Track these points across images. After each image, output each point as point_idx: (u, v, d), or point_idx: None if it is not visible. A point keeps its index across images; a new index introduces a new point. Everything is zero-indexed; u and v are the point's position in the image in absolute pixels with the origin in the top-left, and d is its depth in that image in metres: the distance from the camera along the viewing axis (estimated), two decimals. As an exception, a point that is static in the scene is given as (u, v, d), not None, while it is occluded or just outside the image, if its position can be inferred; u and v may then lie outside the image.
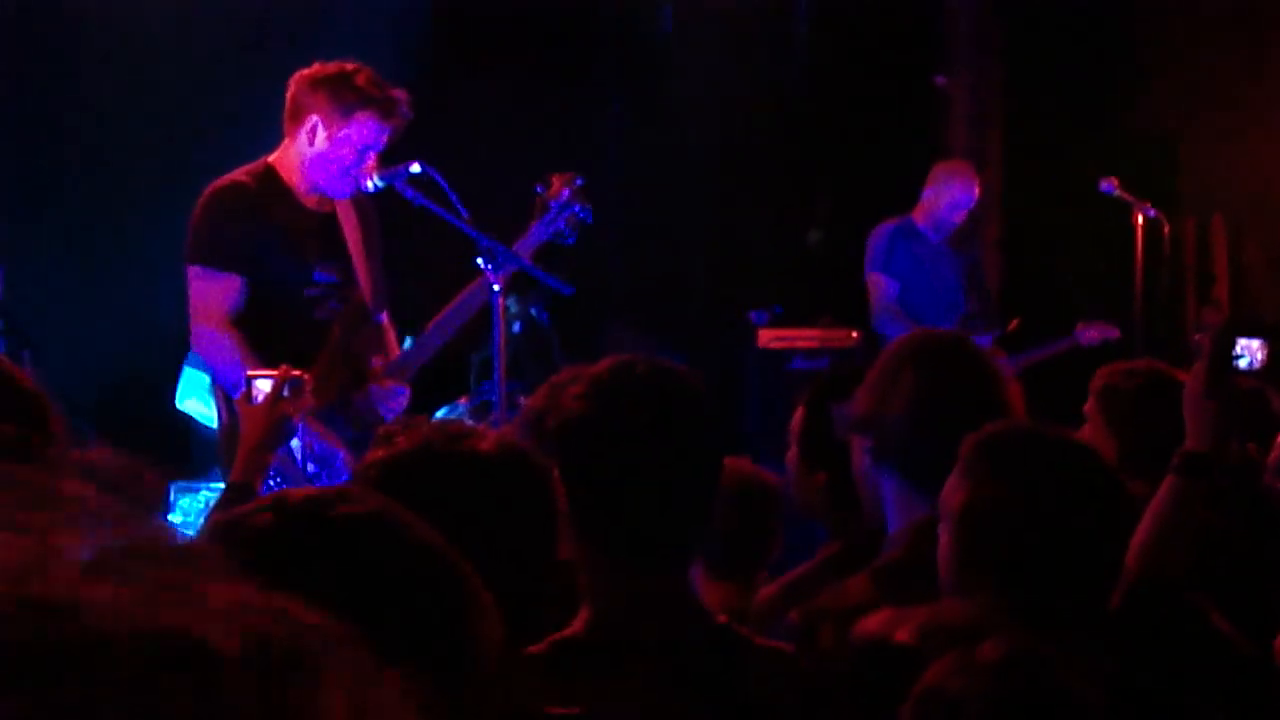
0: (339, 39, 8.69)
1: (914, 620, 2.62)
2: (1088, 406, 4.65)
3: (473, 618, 1.62)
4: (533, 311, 7.42)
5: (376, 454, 2.38)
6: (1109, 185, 8.46)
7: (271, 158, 5.38)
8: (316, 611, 0.91)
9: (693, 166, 10.05)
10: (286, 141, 5.35)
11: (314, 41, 8.60)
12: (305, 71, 5.32)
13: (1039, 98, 10.55)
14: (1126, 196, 8.48)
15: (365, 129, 5.25)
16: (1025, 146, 10.56)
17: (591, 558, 2.68)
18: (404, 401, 5.45)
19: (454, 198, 5.26)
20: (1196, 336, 8.43)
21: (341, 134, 5.24)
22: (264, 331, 5.16)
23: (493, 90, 9.36)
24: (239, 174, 5.34)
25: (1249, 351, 3.56)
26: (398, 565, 1.63)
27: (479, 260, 5.22)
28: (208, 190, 5.31)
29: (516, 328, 7.56)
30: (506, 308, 5.39)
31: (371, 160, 5.27)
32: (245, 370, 4.91)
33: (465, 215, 5.26)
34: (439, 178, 5.28)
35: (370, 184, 5.28)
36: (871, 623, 2.80)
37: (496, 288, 5.18)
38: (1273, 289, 10.13)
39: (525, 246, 5.34)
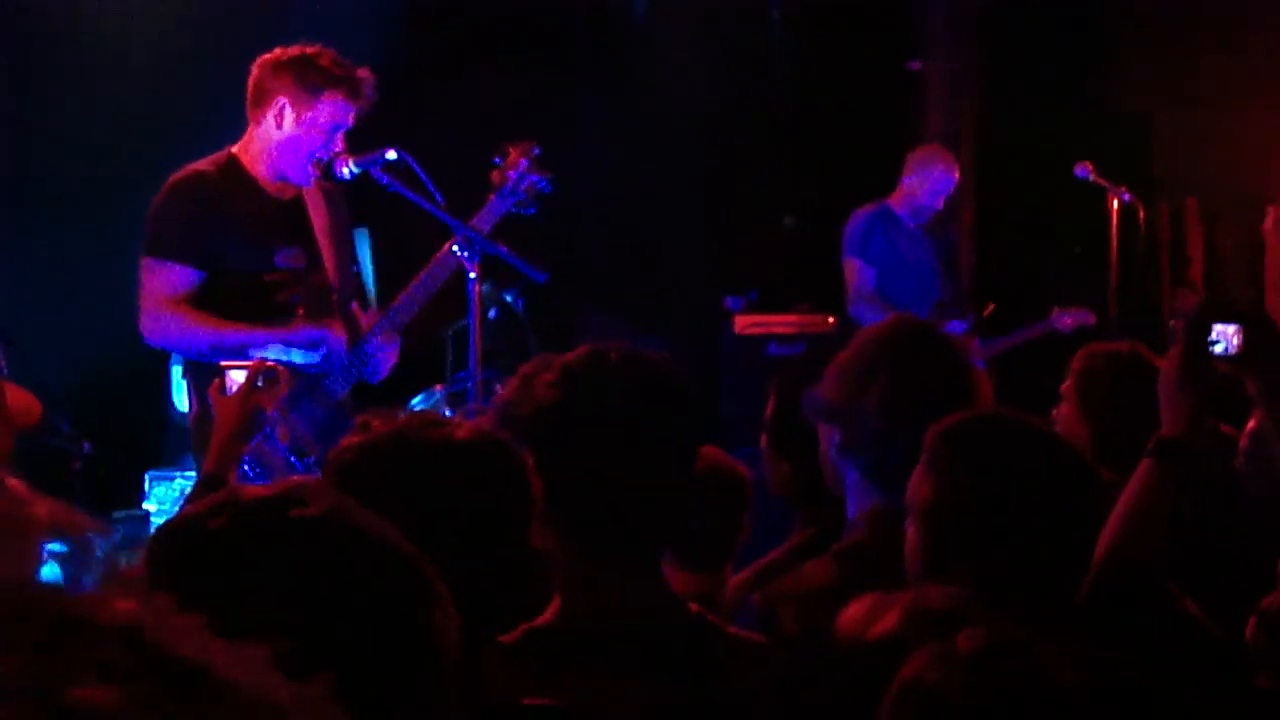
0: (313, 24, 8.68)
1: (895, 608, 2.63)
2: (1065, 386, 4.66)
3: (428, 614, 1.61)
4: (508, 298, 7.42)
5: (351, 440, 2.38)
6: (1084, 170, 8.48)
7: (235, 147, 5.35)
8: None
9: (668, 151, 10.05)
10: (250, 128, 5.33)
11: (288, 28, 8.59)
12: (267, 56, 5.30)
13: (1013, 81, 10.55)
14: (1101, 181, 8.49)
15: (334, 108, 5.23)
16: (1000, 130, 10.56)
17: (564, 546, 2.68)
18: (395, 354, 5.44)
19: (429, 184, 5.25)
20: (1172, 322, 8.45)
21: (309, 115, 5.23)
22: (227, 316, 5.15)
23: (468, 76, 9.35)
24: (201, 163, 5.33)
25: (1224, 337, 3.55)
26: (349, 566, 1.62)
27: (454, 247, 5.21)
28: (168, 181, 5.30)
29: (492, 314, 7.56)
30: (482, 294, 5.37)
31: (339, 141, 5.26)
32: (203, 332, 4.92)
33: (440, 201, 5.25)
34: (414, 164, 5.27)
35: (346, 170, 5.26)
36: (854, 609, 2.80)
37: (472, 275, 5.18)
38: (1248, 273, 10.15)
39: (485, 219, 5.30)
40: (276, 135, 5.27)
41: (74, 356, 7.71)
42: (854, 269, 8.57)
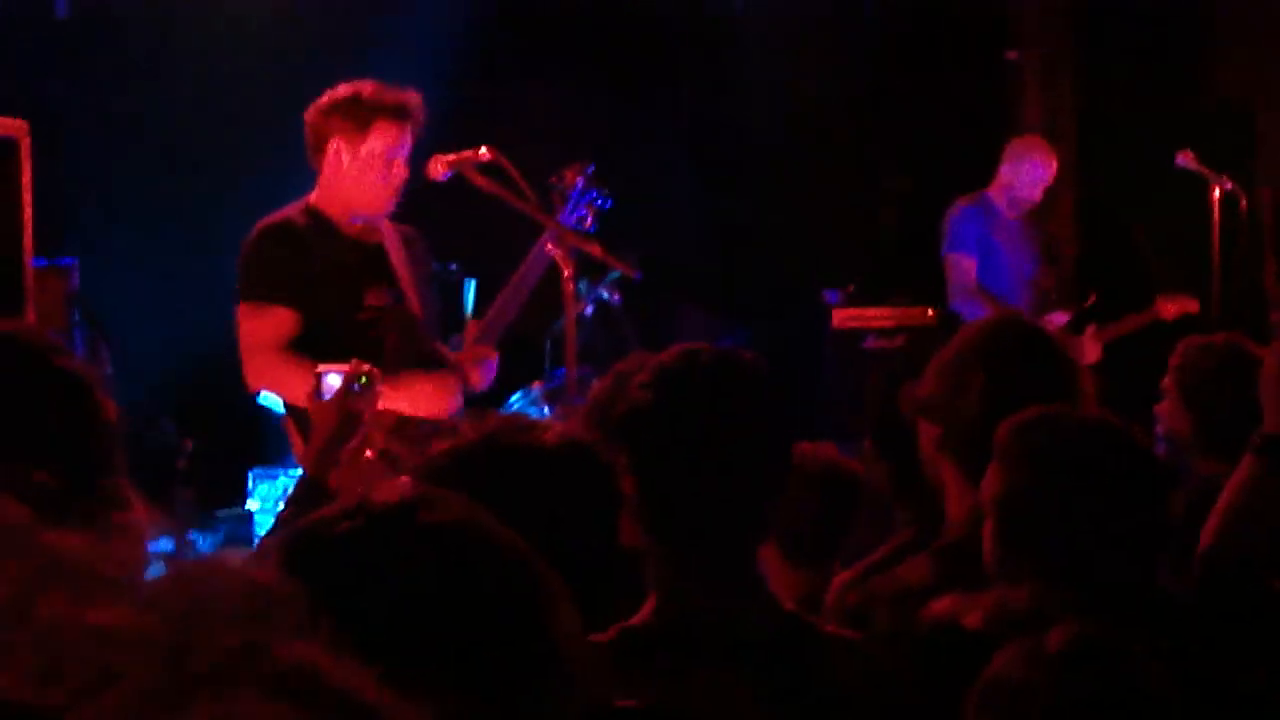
0: (404, 28, 8.73)
1: (982, 605, 2.61)
2: (1165, 381, 4.61)
3: (555, 617, 1.62)
4: (604, 294, 7.42)
5: (441, 447, 2.39)
6: (1184, 159, 8.37)
7: (312, 196, 5.41)
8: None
9: (764, 147, 10.03)
10: (320, 177, 5.39)
11: (380, 33, 8.65)
12: (316, 102, 5.36)
13: (1112, 70, 10.45)
14: (1202, 170, 8.39)
15: (386, 136, 5.28)
16: (1099, 120, 10.47)
17: (658, 546, 2.68)
18: (494, 367, 5.47)
19: (522, 183, 5.27)
20: (1275, 315, 8.34)
21: (365, 149, 5.28)
22: (322, 359, 5.15)
23: (562, 76, 9.37)
24: (287, 210, 5.40)
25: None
26: (479, 571, 1.62)
27: (548, 246, 5.23)
28: (254, 229, 5.35)
29: (589, 311, 7.57)
30: (578, 291, 5.40)
31: (400, 168, 5.31)
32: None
33: (533, 200, 5.27)
34: (507, 163, 5.29)
35: (440, 174, 5.30)
36: (939, 606, 2.78)
37: (566, 273, 5.19)
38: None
39: (549, 240, 5.36)
40: (341, 176, 5.32)
41: (175, 355, 7.78)
42: (954, 263, 8.50)
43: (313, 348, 5.19)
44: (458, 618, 1.56)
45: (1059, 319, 8.33)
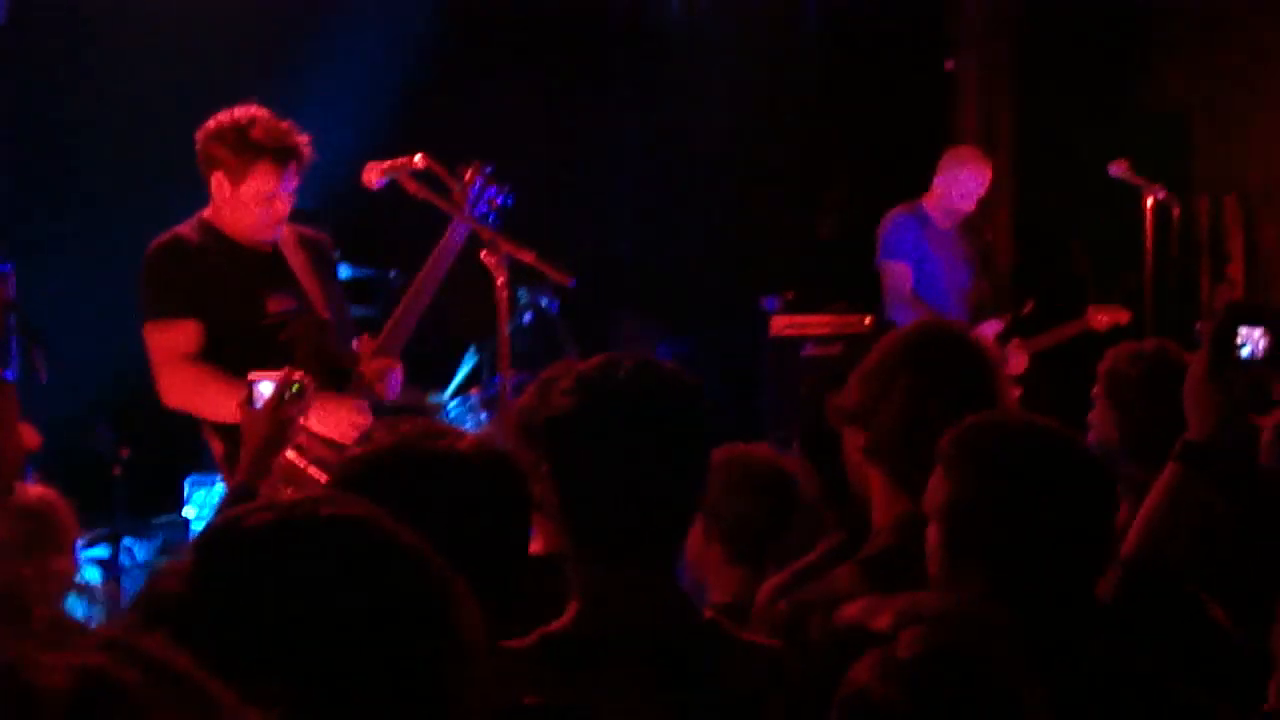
0: (351, 36, 8.72)
1: (892, 608, 2.63)
2: (1095, 389, 4.64)
3: (457, 619, 1.64)
4: (542, 302, 7.43)
5: (354, 451, 2.41)
6: (1118, 169, 8.43)
7: (206, 212, 5.44)
8: (177, 647, 0.92)
9: (703, 154, 10.05)
10: (211, 192, 5.42)
11: (328, 39, 8.64)
12: (206, 125, 5.38)
13: (1049, 79, 10.51)
14: (1136, 180, 8.45)
15: (267, 179, 5.30)
16: (1036, 128, 10.53)
17: (579, 552, 2.71)
18: (399, 378, 5.47)
19: (456, 192, 5.29)
20: (1198, 325, 8.40)
21: (244, 188, 5.31)
22: (229, 367, 5.16)
23: (502, 81, 9.37)
24: (179, 228, 5.43)
25: (1250, 340, 3.53)
26: (384, 566, 1.65)
27: (482, 254, 5.25)
28: (149, 248, 5.39)
29: (527, 318, 7.58)
30: (516, 298, 5.43)
31: (283, 203, 5.34)
32: (225, 388, 4.91)
33: (467, 212, 5.29)
34: (441, 170, 5.30)
35: (375, 181, 5.32)
36: (851, 610, 2.81)
37: (500, 280, 5.21)
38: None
39: (452, 242, 5.38)
40: (223, 204, 5.37)
41: (112, 362, 7.74)
42: (889, 271, 8.55)
43: (220, 358, 5.20)
44: (359, 612, 1.59)
45: (992, 328, 8.39)
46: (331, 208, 6.89)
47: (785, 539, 4.07)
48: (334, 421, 5.23)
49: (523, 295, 7.52)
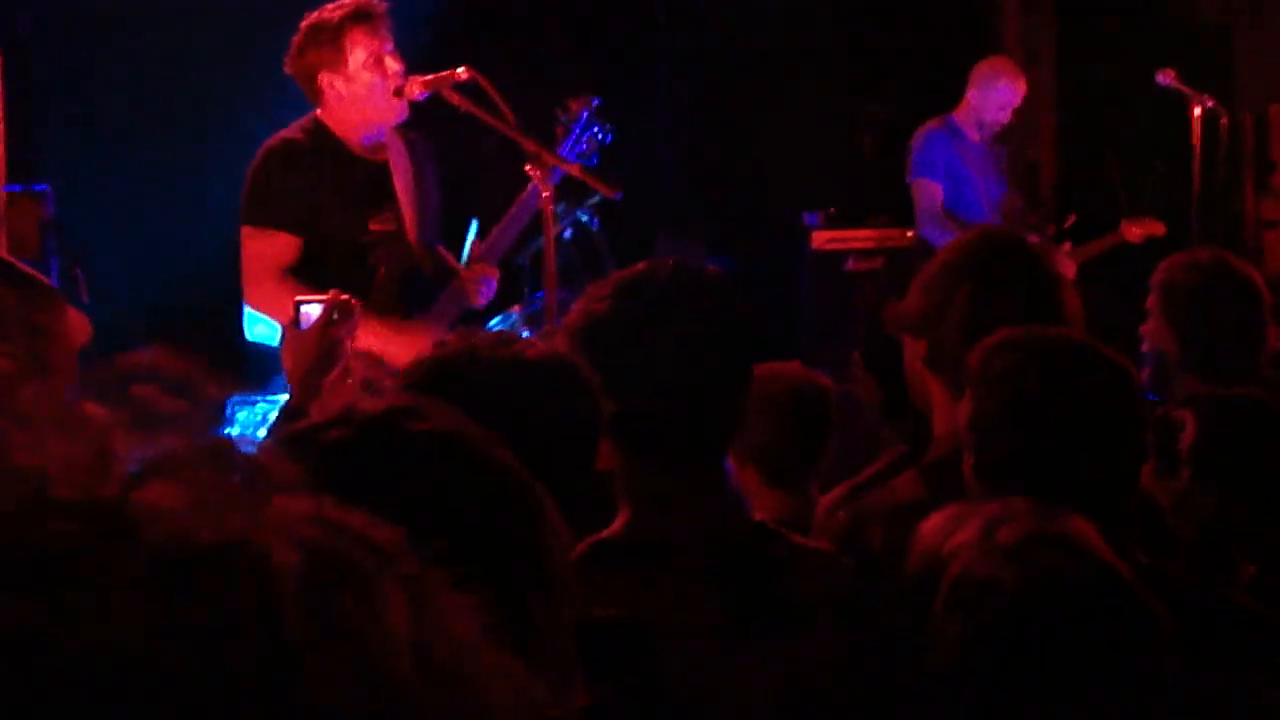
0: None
1: (978, 516, 2.58)
2: (1149, 300, 4.60)
3: (544, 530, 1.60)
4: (583, 217, 7.37)
5: (423, 357, 2.38)
6: (1165, 78, 8.32)
7: (318, 111, 5.41)
8: (384, 525, 0.89)
9: (743, 69, 9.97)
10: (322, 108, 5.39)
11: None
12: (287, 54, 5.35)
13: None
14: (1183, 89, 8.34)
15: (365, 43, 5.27)
16: (1079, 39, 10.42)
17: (625, 459, 2.70)
18: (494, 286, 5.55)
19: (501, 105, 5.23)
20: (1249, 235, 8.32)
21: (350, 67, 5.27)
22: (322, 282, 5.14)
23: (539, 7, 9.32)
24: (292, 129, 5.40)
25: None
26: (466, 479, 1.60)
27: (526, 167, 5.21)
28: (261, 149, 5.37)
29: (567, 234, 7.52)
30: (556, 214, 5.39)
31: (394, 62, 5.29)
32: None
33: (512, 122, 5.23)
34: (486, 83, 5.25)
35: (417, 94, 5.28)
36: (928, 528, 2.76)
37: (545, 194, 5.17)
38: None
39: (529, 163, 5.37)
40: (344, 103, 5.32)
41: (153, 281, 7.73)
42: (920, 188, 8.45)
43: (315, 272, 5.19)
44: (446, 524, 1.55)
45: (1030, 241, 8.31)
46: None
47: (821, 460, 4.02)
48: (393, 347, 5.24)
49: (562, 211, 7.47)
